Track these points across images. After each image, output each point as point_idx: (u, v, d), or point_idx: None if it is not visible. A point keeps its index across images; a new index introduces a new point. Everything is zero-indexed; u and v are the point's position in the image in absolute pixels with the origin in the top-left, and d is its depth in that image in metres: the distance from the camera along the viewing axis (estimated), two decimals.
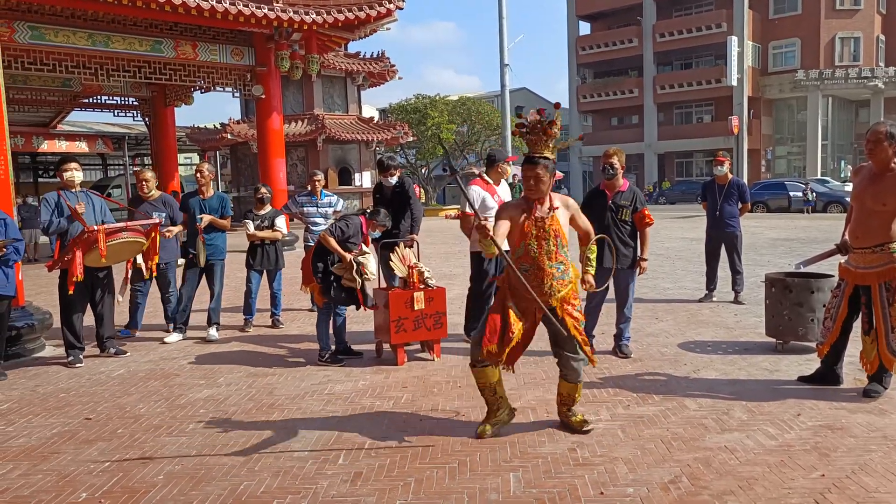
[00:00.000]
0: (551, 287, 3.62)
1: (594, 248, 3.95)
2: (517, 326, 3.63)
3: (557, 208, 3.65)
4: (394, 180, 6.36)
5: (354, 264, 5.33)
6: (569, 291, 3.68)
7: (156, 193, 6.58)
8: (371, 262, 5.43)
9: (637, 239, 5.41)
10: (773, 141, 43.64)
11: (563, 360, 3.74)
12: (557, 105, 3.68)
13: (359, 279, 5.39)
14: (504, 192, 5.92)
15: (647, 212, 5.32)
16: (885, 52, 42.43)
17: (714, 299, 7.51)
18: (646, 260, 5.45)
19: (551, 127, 3.57)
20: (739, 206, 7.50)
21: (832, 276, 5.37)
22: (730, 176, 7.61)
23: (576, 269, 3.80)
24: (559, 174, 40.07)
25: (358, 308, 5.57)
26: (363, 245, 5.55)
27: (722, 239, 7.53)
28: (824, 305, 5.14)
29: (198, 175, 6.57)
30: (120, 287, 6.28)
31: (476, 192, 5.74)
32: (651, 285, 8.63)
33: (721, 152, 8.09)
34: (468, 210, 5.68)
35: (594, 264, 3.98)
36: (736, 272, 7.47)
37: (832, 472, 3.16)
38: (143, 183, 6.53)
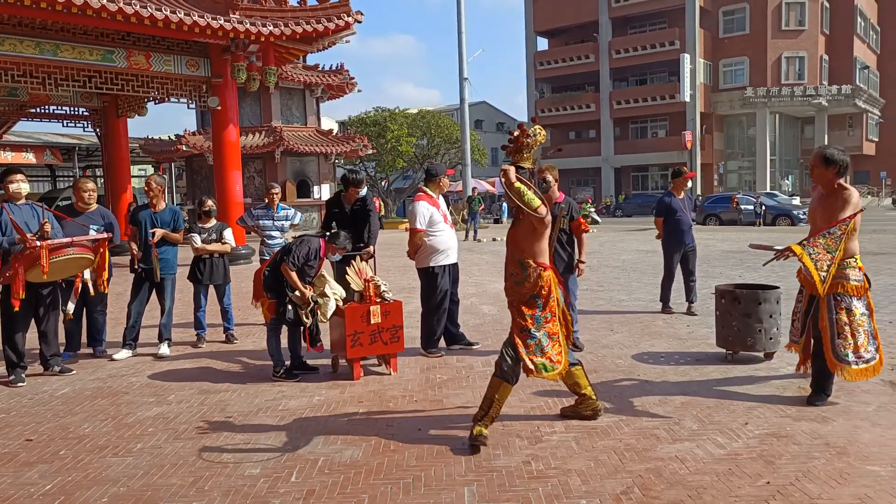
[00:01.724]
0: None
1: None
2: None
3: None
4: (363, 192, 6.41)
5: (312, 302, 5.25)
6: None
7: (94, 206, 6.29)
8: (331, 306, 5.29)
9: (573, 246, 5.95)
10: (725, 155, 45.00)
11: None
12: (535, 119, 4.01)
13: (311, 319, 5.31)
14: (444, 206, 6.07)
15: (582, 220, 5.96)
16: (828, 71, 44.24)
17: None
18: (583, 262, 6.08)
19: (521, 137, 3.80)
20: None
21: (778, 287, 5.54)
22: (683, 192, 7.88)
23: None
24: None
25: (303, 342, 5.48)
26: (329, 283, 5.42)
27: (688, 249, 7.70)
28: (771, 315, 5.32)
29: (147, 188, 6.40)
30: (69, 300, 6.05)
31: (424, 207, 5.82)
32: (606, 297, 8.76)
33: (684, 168, 8.33)
34: (418, 226, 5.78)
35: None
36: (694, 280, 7.75)
37: (777, 480, 3.25)
38: (87, 193, 6.20)
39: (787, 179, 43.56)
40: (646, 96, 43.04)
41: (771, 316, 5.33)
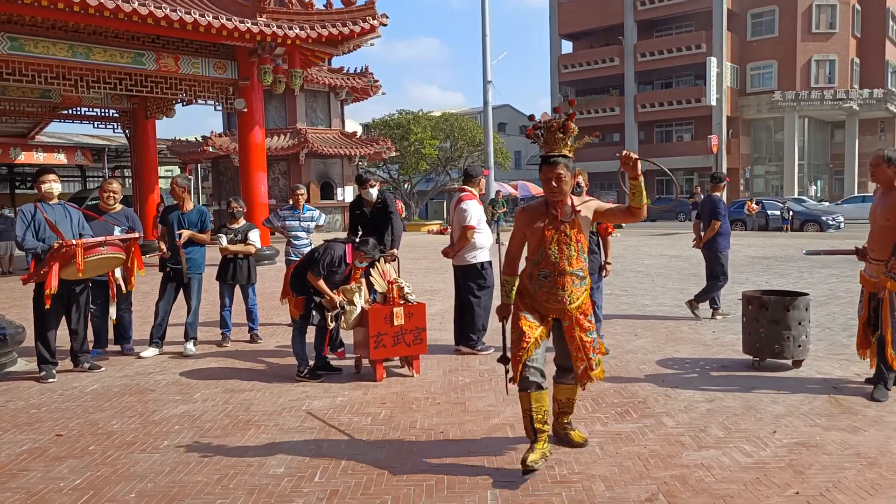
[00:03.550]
0: (571, 294, 3.49)
1: (637, 182, 3.35)
2: (533, 333, 3.50)
3: (580, 211, 3.49)
4: (373, 191, 6.44)
5: (339, 307, 5.30)
6: (585, 299, 3.57)
7: (118, 207, 6.41)
8: (355, 313, 5.32)
9: (600, 248, 6.06)
10: (752, 160, 44.38)
11: (561, 373, 3.75)
12: (573, 101, 3.58)
13: (334, 323, 5.36)
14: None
15: (608, 223, 5.95)
16: (859, 75, 43.44)
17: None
18: (609, 264, 6.15)
19: (570, 121, 3.41)
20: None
21: (807, 294, 5.45)
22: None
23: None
24: (539, 190, 40.41)
25: (325, 345, 5.55)
26: (355, 281, 5.45)
27: None
28: (800, 323, 5.23)
29: (171, 189, 6.49)
30: (110, 304, 6.19)
31: (476, 205, 6.13)
32: (630, 302, 8.69)
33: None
34: (473, 223, 6.02)
35: (642, 192, 3.37)
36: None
37: (806, 490, 3.19)
38: (109, 195, 6.32)
39: (816, 185, 42.84)
40: (671, 100, 42.63)
41: (800, 323, 5.24)
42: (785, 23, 41.30)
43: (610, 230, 6.08)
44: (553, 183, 3.42)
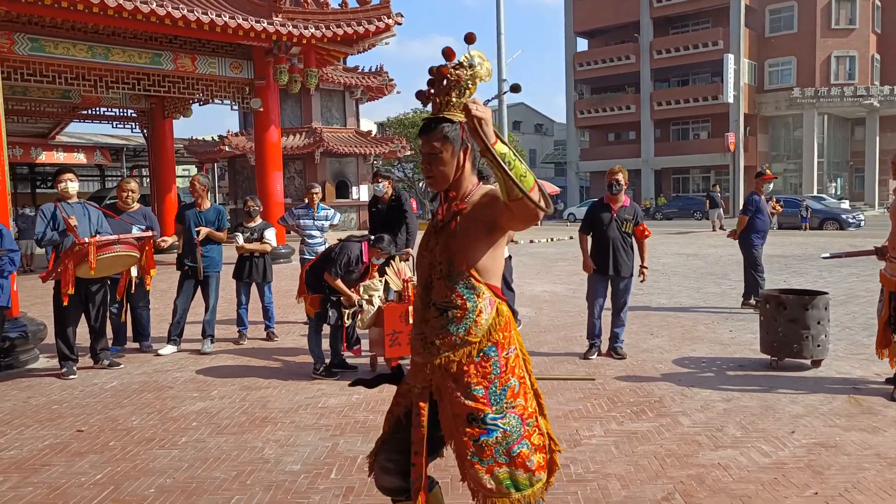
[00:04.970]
0: (434, 342, 2.14)
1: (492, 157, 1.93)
2: (394, 414, 2.32)
3: (465, 208, 2.14)
4: (380, 186, 6.51)
5: (357, 305, 5.34)
6: (466, 358, 2.11)
7: (136, 206, 6.51)
8: (371, 311, 5.34)
9: (634, 250, 5.86)
10: (770, 157, 43.88)
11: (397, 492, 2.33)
12: (470, 36, 2.11)
13: (350, 321, 5.40)
14: None
15: (645, 225, 5.85)
16: (880, 71, 42.81)
17: None
18: (646, 268, 5.99)
19: (458, 69, 2.07)
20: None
21: (826, 293, 5.39)
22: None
23: (498, 314, 2.18)
24: (554, 188, 40.29)
25: (341, 343, 5.59)
26: (373, 276, 5.49)
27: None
28: (819, 322, 5.18)
29: (191, 188, 6.57)
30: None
31: None
32: (646, 300, 8.64)
33: (769, 171, 8.85)
34: None
35: (510, 172, 1.89)
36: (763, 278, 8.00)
37: (826, 490, 3.16)
38: (127, 193, 6.45)
39: (836, 182, 42.29)
40: (687, 97, 42.25)
41: (819, 322, 5.18)
42: (804, 19, 40.78)
43: (647, 233, 5.84)
44: (426, 163, 2.18)
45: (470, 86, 2.10)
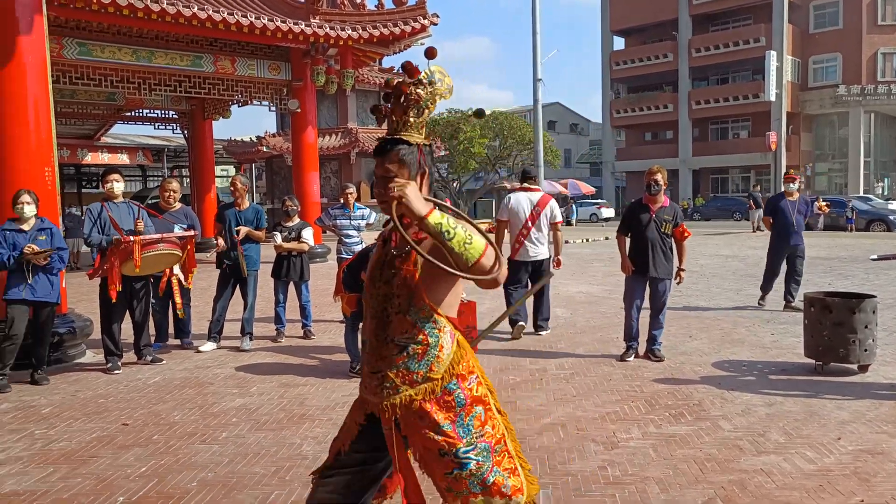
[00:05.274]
0: (387, 385, 2.04)
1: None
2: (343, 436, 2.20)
3: (423, 238, 2.01)
4: None
5: None
6: (428, 395, 2.04)
7: (177, 205, 6.64)
8: None
9: (673, 252, 5.78)
10: (813, 157, 42.76)
11: None
12: (431, 51, 2.10)
13: None
14: None
15: (684, 226, 5.73)
16: None
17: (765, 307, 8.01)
18: (684, 270, 5.89)
19: (414, 86, 2.01)
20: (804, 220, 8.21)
21: (874, 296, 5.24)
22: (797, 194, 8.24)
23: (459, 348, 2.11)
24: (589, 188, 39.92)
25: None
26: None
27: (790, 251, 7.98)
28: (866, 326, 5.03)
29: (232, 187, 6.69)
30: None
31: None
32: (685, 302, 8.50)
33: (791, 171, 8.78)
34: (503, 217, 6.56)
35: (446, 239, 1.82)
36: (798, 281, 7.95)
37: (872, 498, 3.07)
38: (169, 193, 6.58)
39: (883, 182, 40.98)
40: (727, 96, 41.40)
41: (866, 326, 5.04)
42: (849, 14, 39.61)
43: (687, 234, 5.70)
44: (380, 186, 2.02)
45: (430, 105, 2.05)
